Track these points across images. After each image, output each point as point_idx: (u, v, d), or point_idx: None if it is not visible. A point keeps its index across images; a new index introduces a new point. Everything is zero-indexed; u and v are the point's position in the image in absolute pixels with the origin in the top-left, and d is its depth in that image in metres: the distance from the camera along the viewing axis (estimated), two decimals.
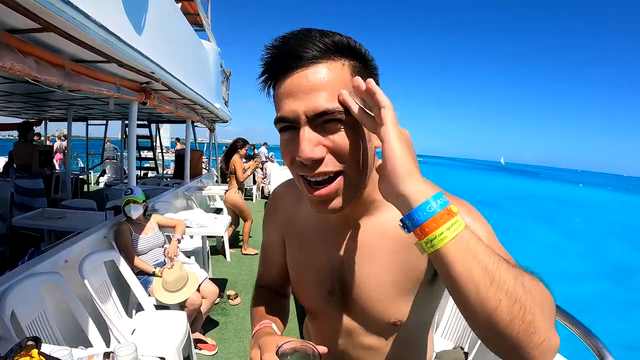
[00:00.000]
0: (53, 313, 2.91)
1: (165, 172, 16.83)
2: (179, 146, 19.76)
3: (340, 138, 0.91)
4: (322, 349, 0.97)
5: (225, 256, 7.50)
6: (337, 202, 0.97)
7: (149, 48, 4.01)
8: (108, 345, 3.14)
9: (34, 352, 1.83)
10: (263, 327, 1.23)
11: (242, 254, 7.91)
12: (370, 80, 0.84)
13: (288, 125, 0.94)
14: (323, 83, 0.89)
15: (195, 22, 9.18)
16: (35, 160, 7.74)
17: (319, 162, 0.92)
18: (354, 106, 0.88)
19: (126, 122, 12.64)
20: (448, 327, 3.31)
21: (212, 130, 12.53)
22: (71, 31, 2.80)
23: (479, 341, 2.73)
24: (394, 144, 0.80)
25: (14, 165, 8.14)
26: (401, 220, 0.81)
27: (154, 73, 4.40)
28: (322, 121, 0.90)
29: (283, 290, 1.53)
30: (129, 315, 3.85)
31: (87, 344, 2.98)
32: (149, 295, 4.02)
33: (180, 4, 7.15)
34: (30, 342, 1.85)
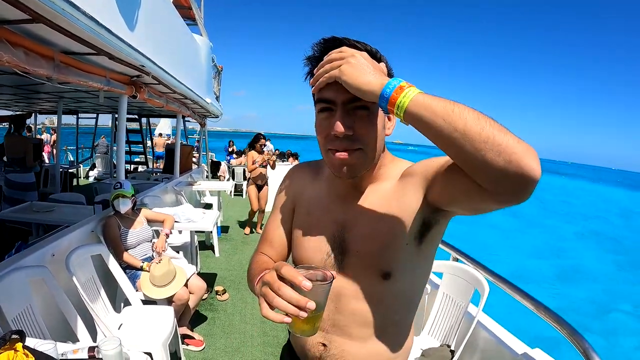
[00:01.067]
0: (39, 307, 2.89)
1: (155, 166, 16.77)
2: (159, 140, 19.70)
3: (365, 123, 1.20)
4: (334, 273, 1.12)
5: (214, 251, 7.50)
6: (354, 169, 1.25)
7: (140, 41, 3.98)
8: (95, 340, 3.13)
9: (19, 345, 1.82)
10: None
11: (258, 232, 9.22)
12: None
13: (326, 107, 1.22)
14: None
15: (187, 15, 9.13)
16: (29, 153, 7.79)
17: (347, 138, 1.19)
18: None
19: (116, 115, 12.59)
20: (435, 326, 3.33)
21: (203, 125, 12.48)
22: (61, 23, 2.77)
23: (465, 339, 2.76)
24: (347, 79, 1.08)
25: (4, 159, 8.13)
26: (379, 105, 1.06)
27: (144, 66, 4.37)
28: (353, 107, 1.18)
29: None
30: (117, 310, 3.84)
31: (74, 338, 2.97)
32: (137, 290, 4.01)
33: None
34: (14, 336, 1.84)
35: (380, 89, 1.02)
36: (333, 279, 1.07)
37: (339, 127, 1.17)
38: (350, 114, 1.19)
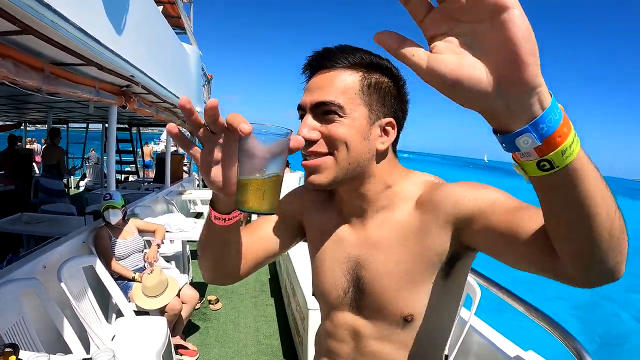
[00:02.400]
0: (32, 319, 2.88)
1: (146, 175, 16.73)
2: (147, 149, 19.61)
3: (334, 127, 1.08)
4: (300, 141, 0.89)
5: None
6: (319, 178, 1.12)
7: (129, 51, 3.97)
8: (88, 351, 3.12)
9: (12, 358, 1.82)
10: None
11: None
12: None
13: (301, 115, 1.15)
14: (330, 83, 1.10)
15: (176, 24, 9.12)
16: (62, 162, 9.09)
17: (313, 143, 1.10)
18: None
19: (107, 125, 12.55)
20: None
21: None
22: (50, 34, 2.77)
23: (458, 344, 2.75)
24: (520, 12, 0.53)
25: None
26: (520, 131, 0.58)
27: (133, 76, 4.37)
28: (321, 111, 1.10)
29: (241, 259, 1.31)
30: (109, 321, 3.83)
31: (67, 350, 2.95)
32: (129, 301, 3.99)
33: (161, 7, 7.12)
34: (8, 349, 1.83)
35: (547, 103, 0.57)
36: (288, 134, 0.83)
37: (301, 130, 1.10)
38: (319, 118, 1.11)
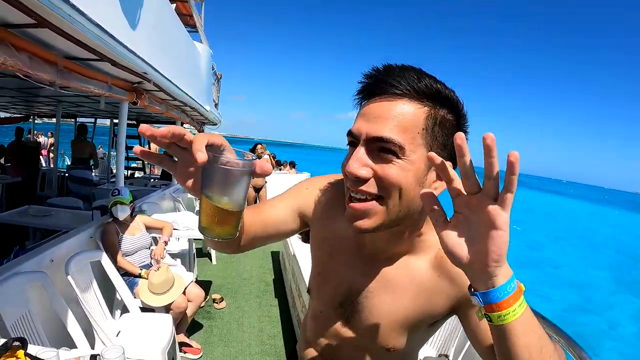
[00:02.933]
0: (38, 313, 2.88)
1: (152, 172, 16.74)
2: (153, 146, 19.62)
3: (389, 169, 0.98)
4: (267, 168, 0.90)
5: (211, 259, 7.49)
6: (366, 223, 1.04)
7: (143, 48, 3.98)
8: (92, 346, 3.11)
9: (20, 353, 1.81)
10: None
11: None
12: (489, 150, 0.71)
13: (352, 142, 1.05)
14: (392, 115, 0.97)
15: (188, 23, 9.14)
16: (95, 155, 10.33)
17: (363, 181, 0.99)
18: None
19: (115, 121, 12.57)
20: (433, 336, 3.31)
21: (201, 132, 12.47)
22: (66, 28, 2.77)
23: (464, 349, 2.75)
24: (507, 232, 0.76)
25: (4, 160, 10.09)
26: (474, 293, 0.83)
27: (146, 73, 4.38)
28: (377, 147, 0.98)
29: (249, 233, 1.31)
30: (114, 316, 3.82)
31: (71, 344, 2.95)
32: (135, 297, 3.99)
33: (174, 5, 7.12)
34: (16, 343, 1.82)
35: (504, 280, 0.79)
36: (249, 165, 0.86)
37: (350, 164, 0.99)
38: (373, 154, 0.99)
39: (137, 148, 0.86)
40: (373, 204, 1.01)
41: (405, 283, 1.18)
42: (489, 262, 0.77)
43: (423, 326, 1.21)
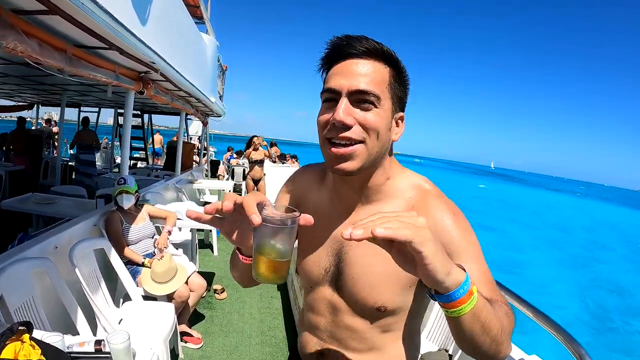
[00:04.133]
0: (41, 299, 2.89)
1: (155, 162, 16.75)
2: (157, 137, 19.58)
3: (370, 116, 1.14)
4: (309, 218, 1.02)
5: (212, 250, 7.50)
6: (351, 164, 1.17)
7: (151, 37, 3.98)
8: (95, 333, 3.13)
9: (25, 337, 1.82)
10: None
11: None
12: (381, 230, 0.85)
13: (330, 97, 1.18)
14: (367, 73, 1.15)
15: (195, 14, 9.12)
16: (97, 141, 11.29)
17: (347, 128, 1.14)
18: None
19: (120, 110, 12.58)
20: (433, 330, 3.33)
21: (205, 123, 12.49)
22: (77, 15, 2.78)
23: (457, 355, 2.77)
24: (433, 262, 0.87)
25: (7, 148, 10.86)
26: (435, 295, 0.95)
27: (154, 63, 4.38)
28: (358, 98, 1.14)
29: None
30: (117, 304, 3.83)
31: (74, 331, 2.96)
32: (137, 286, 4.01)
33: None
34: (21, 327, 1.84)
35: (455, 288, 0.92)
36: (296, 221, 0.99)
37: (338, 114, 1.13)
38: (354, 104, 1.15)
39: (192, 212, 1.05)
40: (357, 147, 1.16)
41: None
42: (435, 280, 0.89)
43: (411, 280, 1.24)
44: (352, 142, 1.15)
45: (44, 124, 16.43)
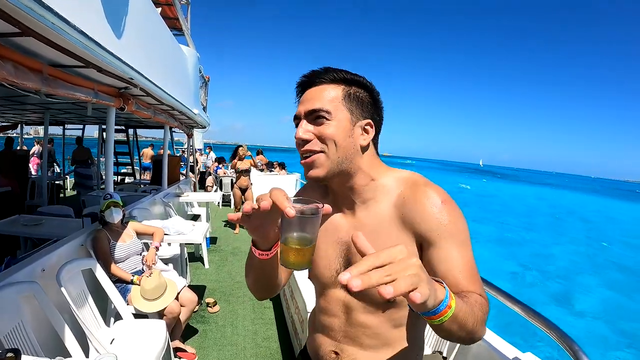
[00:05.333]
0: (31, 323, 2.86)
1: (144, 177, 16.70)
2: (147, 151, 19.58)
3: (323, 128, 1.33)
4: (327, 207, 1.14)
5: (203, 263, 7.46)
6: (316, 172, 1.37)
7: (128, 53, 3.96)
8: (87, 355, 3.10)
9: None
10: None
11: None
12: (389, 290, 0.85)
13: (297, 123, 1.40)
14: (318, 95, 1.36)
15: (174, 26, 9.11)
16: (91, 156, 13.38)
17: (306, 142, 1.35)
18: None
19: (104, 126, 12.54)
20: (427, 333, 3.32)
21: (190, 136, 12.46)
22: (50, 36, 2.76)
23: (457, 346, 2.77)
24: (429, 300, 0.95)
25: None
26: (421, 313, 1.04)
27: (132, 79, 4.35)
28: (313, 117, 1.35)
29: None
30: (107, 324, 3.81)
31: (66, 354, 2.94)
32: (128, 304, 3.97)
33: (160, 9, 7.09)
34: (10, 354, 1.82)
35: (436, 306, 1.01)
36: (320, 210, 1.10)
37: (298, 132, 1.35)
38: (312, 123, 1.36)
39: (233, 215, 1.20)
40: (317, 156, 1.35)
41: (376, 222, 1.42)
42: (425, 308, 0.98)
43: None
44: (313, 152, 1.35)
45: (48, 145, 16.36)
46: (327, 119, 1.34)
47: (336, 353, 1.53)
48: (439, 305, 1.00)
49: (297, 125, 1.40)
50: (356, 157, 1.39)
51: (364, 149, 1.41)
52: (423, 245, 1.34)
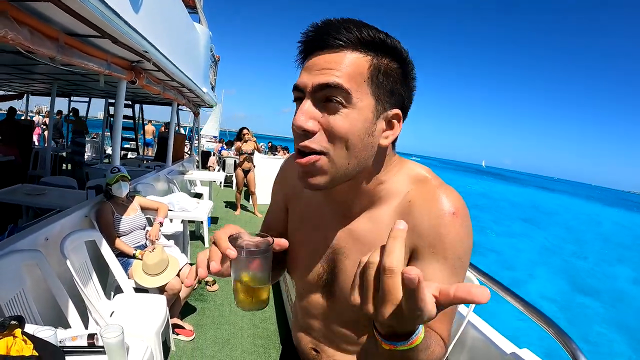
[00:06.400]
0: (32, 292, 2.85)
1: (146, 153, 16.71)
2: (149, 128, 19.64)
3: (336, 120, 0.96)
4: (284, 242, 1.06)
5: (204, 242, 7.46)
6: (318, 179, 1.03)
7: (144, 26, 3.93)
8: (86, 326, 3.10)
9: (17, 331, 1.79)
10: None
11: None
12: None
13: (299, 97, 1.02)
14: (337, 65, 0.95)
15: (187, 3, 9.07)
16: (86, 127, 13.66)
17: (309, 134, 0.98)
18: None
19: (110, 100, 12.53)
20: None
21: (196, 114, 12.44)
22: (70, 2, 2.73)
23: (455, 338, 2.82)
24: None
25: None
26: (380, 335, 0.85)
27: (147, 52, 4.33)
28: (323, 96, 0.96)
29: (278, 255, 1.32)
30: (108, 297, 3.80)
31: (66, 324, 2.94)
32: (129, 278, 3.97)
33: None
34: (13, 322, 1.80)
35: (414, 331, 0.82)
36: (270, 248, 1.00)
37: (297, 116, 0.97)
38: (319, 105, 0.98)
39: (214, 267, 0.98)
40: (318, 159, 0.99)
41: (375, 236, 1.15)
42: (405, 330, 0.80)
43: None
44: (312, 152, 0.99)
45: (57, 117, 16.36)
46: (343, 105, 0.96)
47: (316, 351, 1.39)
48: (404, 340, 0.81)
49: (296, 100, 1.04)
50: (370, 160, 1.06)
51: (384, 148, 1.08)
52: (411, 255, 1.09)
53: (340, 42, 0.96)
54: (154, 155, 14.50)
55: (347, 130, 0.96)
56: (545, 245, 23.19)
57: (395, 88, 1.01)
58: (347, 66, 0.95)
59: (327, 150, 0.98)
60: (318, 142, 0.98)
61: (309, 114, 0.97)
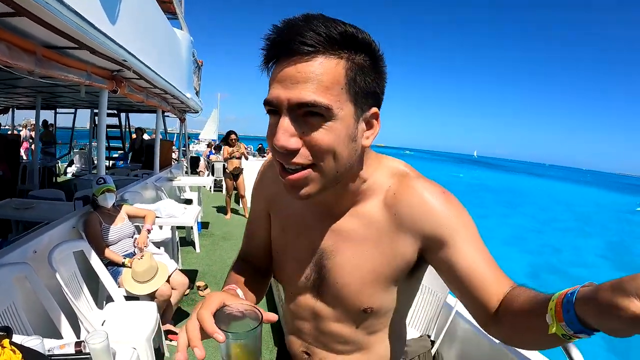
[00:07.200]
0: (22, 304, 2.86)
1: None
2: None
3: (319, 135, 0.92)
4: (272, 317, 0.96)
5: (194, 247, 7.49)
6: (308, 189, 1.00)
7: (122, 35, 3.94)
8: (78, 336, 3.11)
9: (5, 342, 1.81)
10: (227, 289, 1.19)
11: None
12: None
13: (273, 110, 0.95)
14: (311, 76, 0.89)
15: (168, 10, 9.05)
16: (55, 139, 15.20)
17: (294, 152, 0.94)
18: None
19: (95, 110, 12.50)
20: (415, 317, 3.36)
21: (182, 120, 12.43)
22: (44, 16, 2.74)
23: (444, 329, 2.81)
24: None
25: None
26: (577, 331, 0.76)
27: (126, 61, 4.34)
28: (302, 112, 0.91)
29: (263, 264, 1.45)
30: (99, 306, 3.81)
31: (58, 335, 2.95)
32: (119, 286, 3.99)
33: None
34: (1, 333, 1.82)
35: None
36: (260, 324, 0.93)
37: (277, 136, 0.93)
38: (298, 120, 0.93)
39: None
40: (308, 172, 0.97)
41: (363, 231, 1.15)
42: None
43: (397, 276, 1.15)
44: (300, 167, 0.97)
45: (50, 129, 16.32)
46: (324, 119, 0.92)
47: (307, 354, 1.37)
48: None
49: (269, 113, 0.99)
50: (355, 162, 1.05)
51: (365, 148, 1.07)
52: (432, 247, 1.08)
53: (310, 48, 0.90)
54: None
55: (332, 143, 0.93)
56: (521, 225, 23.64)
57: (370, 86, 0.98)
58: (321, 75, 0.90)
59: (314, 162, 0.96)
60: (305, 156, 0.95)
61: (289, 132, 0.93)
